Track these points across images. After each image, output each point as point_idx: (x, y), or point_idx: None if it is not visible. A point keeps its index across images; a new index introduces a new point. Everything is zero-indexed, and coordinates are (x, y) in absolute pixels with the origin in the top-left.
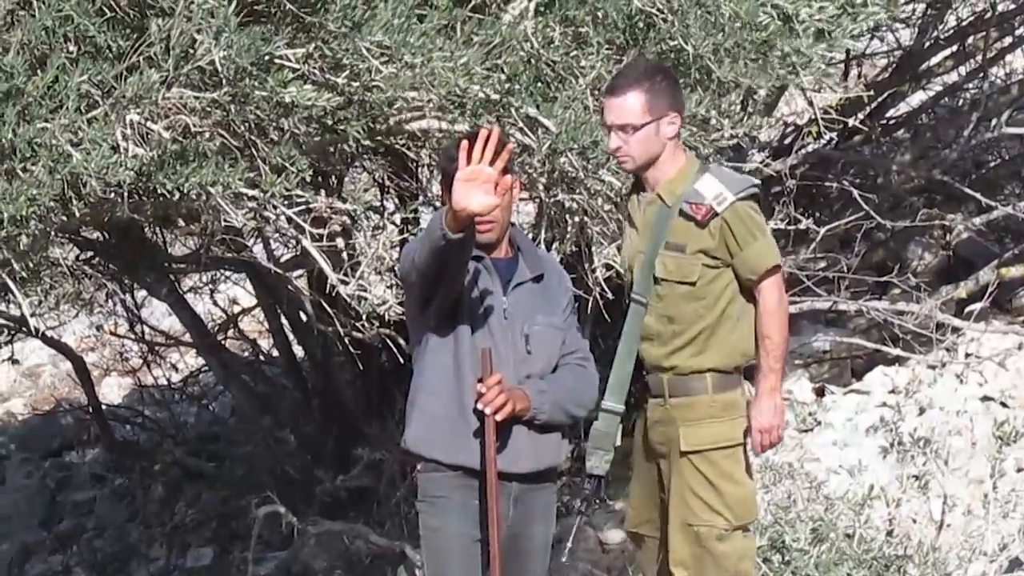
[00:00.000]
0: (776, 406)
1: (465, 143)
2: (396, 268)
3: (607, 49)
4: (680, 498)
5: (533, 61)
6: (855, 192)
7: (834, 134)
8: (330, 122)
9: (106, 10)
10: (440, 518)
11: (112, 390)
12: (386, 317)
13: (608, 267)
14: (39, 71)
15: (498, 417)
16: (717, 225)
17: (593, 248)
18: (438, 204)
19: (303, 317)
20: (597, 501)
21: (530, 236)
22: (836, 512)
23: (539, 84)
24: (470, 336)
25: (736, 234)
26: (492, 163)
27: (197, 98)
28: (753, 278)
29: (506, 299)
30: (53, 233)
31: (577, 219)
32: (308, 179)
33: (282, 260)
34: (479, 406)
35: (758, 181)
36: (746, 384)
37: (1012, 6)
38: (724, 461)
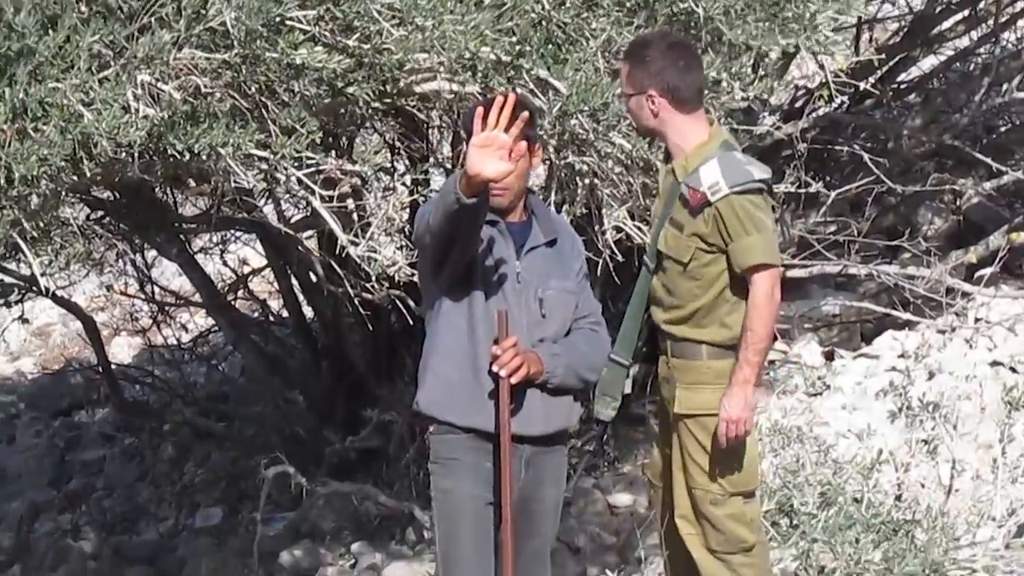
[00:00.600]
0: (746, 399)
1: (480, 110)
2: (406, 229)
3: (618, 11)
4: (679, 459)
5: (544, 23)
6: (866, 156)
7: (845, 98)
8: (340, 84)
9: None
10: (452, 480)
11: (122, 350)
12: (396, 278)
13: (618, 229)
14: (51, 31)
15: (512, 380)
16: (710, 214)
17: (603, 210)
18: (448, 166)
19: (313, 278)
20: (604, 454)
21: (540, 198)
22: (844, 476)
23: (550, 46)
24: (483, 299)
25: (728, 226)
26: (507, 129)
27: (208, 59)
28: (739, 271)
29: (519, 263)
30: (64, 193)
31: (587, 181)
32: (318, 141)
33: (292, 221)
34: (494, 368)
35: (766, 176)
36: None
37: None
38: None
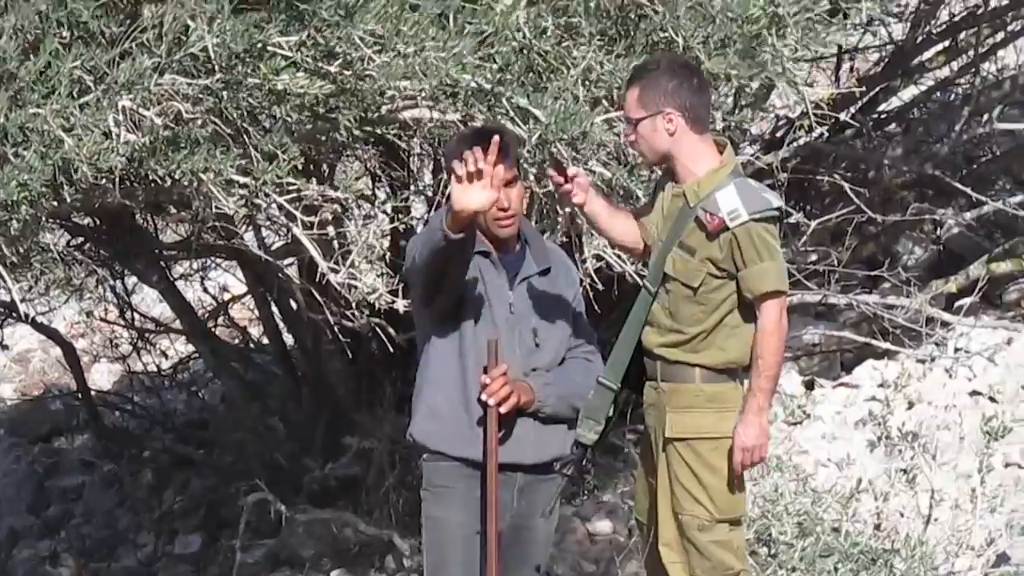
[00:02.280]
0: (762, 427)
1: (468, 154)
2: (387, 257)
3: (598, 40)
4: (666, 485)
5: (525, 51)
6: (846, 186)
7: (826, 128)
8: (322, 110)
9: None
10: (442, 508)
11: (102, 376)
12: (376, 306)
13: (598, 258)
14: (31, 56)
15: (502, 409)
16: (727, 239)
17: (584, 238)
18: (429, 193)
19: (293, 305)
20: (583, 480)
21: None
22: (824, 505)
23: (530, 74)
24: (474, 330)
25: (744, 252)
26: (493, 163)
27: (189, 85)
28: (750, 296)
29: (512, 293)
30: (44, 218)
31: (567, 210)
32: (299, 167)
33: (273, 248)
34: (483, 397)
35: (781, 204)
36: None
37: (1005, 1)
38: (710, 453)
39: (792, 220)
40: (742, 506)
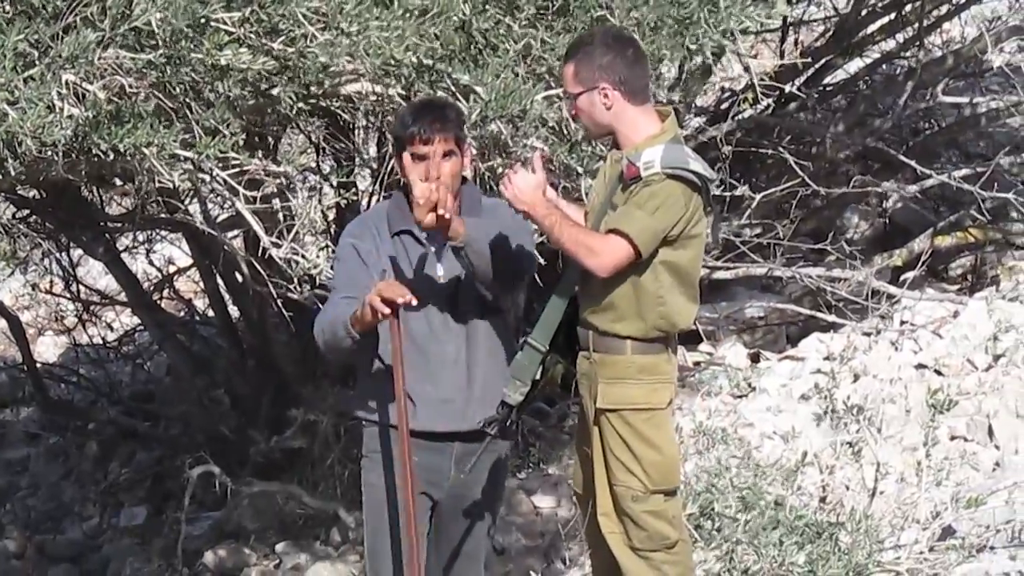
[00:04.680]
0: (541, 202)
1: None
2: (331, 230)
3: (538, 17)
4: (600, 456)
5: (465, 28)
6: (791, 159)
7: (771, 100)
8: (265, 86)
9: None
10: (377, 473)
11: (47, 349)
12: (317, 279)
13: (541, 232)
14: None
15: (428, 220)
16: (637, 189)
17: None
18: (374, 166)
19: (239, 278)
20: (516, 442)
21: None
22: (768, 479)
23: (471, 51)
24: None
25: (639, 195)
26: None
27: (133, 59)
28: (601, 230)
29: (440, 264)
30: None
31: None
32: (243, 141)
33: (218, 221)
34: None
35: (700, 171)
36: (680, 350)
37: None
38: (643, 424)
39: (737, 193)
40: (676, 476)
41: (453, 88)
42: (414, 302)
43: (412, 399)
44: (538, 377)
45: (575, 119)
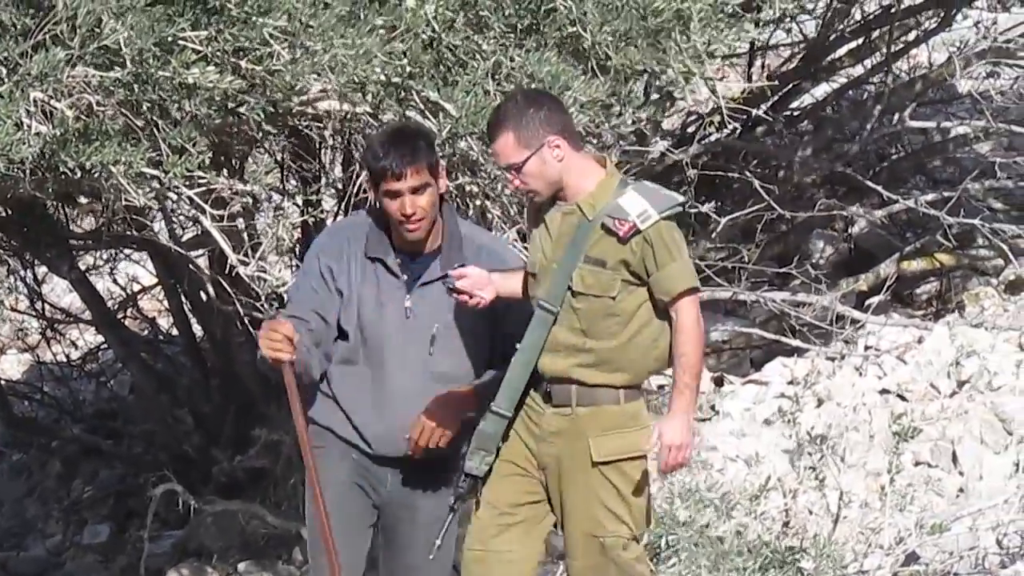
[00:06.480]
0: (689, 424)
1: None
2: (296, 249)
3: (508, 33)
4: (585, 510)
5: (434, 45)
6: (756, 183)
7: (737, 124)
8: (232, 104)
9: None
10: (313, 490)
11: (11, 366)
12: (285, 298)
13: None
14: None
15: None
16: (639, 242)
17: (494, 231)
18: (340, 186)
19: (204, 297)
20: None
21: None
22: (731, 503)
23: (440, 68)
24: (361, 335)
25: (657, 254)
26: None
27: (101, 77)
28: (666, 299)
29: (409, 297)
30: None
31: (478, 203)
32: (209, 160)
33: (183, 239)
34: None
35: (683, 200)
36: None
37: (918, 0)
38: (636, 472)
39: (702, 216)
40: (652, 519)
41: (422, 105)
42: (288, 359)
43: (355, 425)
44: (501, 444)
45: (521, 190)
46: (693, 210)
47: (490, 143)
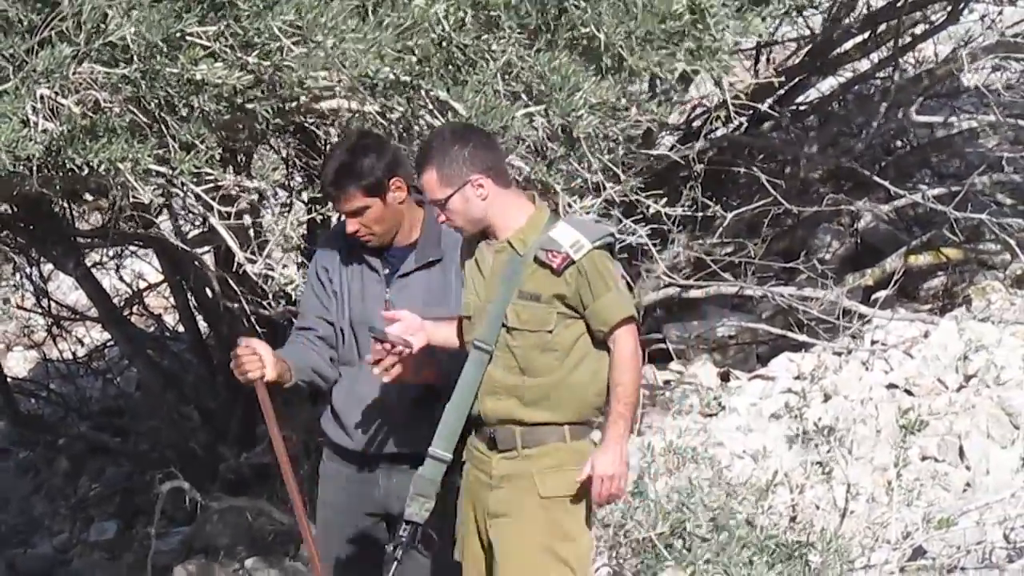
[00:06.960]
0: (622, 455)
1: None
2: (303, 246)
3: (519, 33)
4: (527, 554)
5: (444, 44)
6: (763, 178)
7: (744, 119)
8: (240, 101)
9: None
10: (321, 489)
11: (17, 363)
12: (292, 296)
13: None
14: None
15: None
16: (573, 273)
17: None
18: None
19: (209, 294)
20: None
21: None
22: (739, 498)
23: (450, 67)
24: (350, 327)
25: (592, 284)
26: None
27: (108, 74)
28: (604, 329)
29: (389, 290)
30: None
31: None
32: (217, 157)
33: (190, 236)
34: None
35: (614, 230)
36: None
37: None
38: (579, 510)
39: (708, 212)
40: (591, 561)
41: (431, 104)
42: (258, 375)
43: (343, 426)
44: (440, 490)
45: (448, 223)
46: (698, 211)
47: (417, 177)
